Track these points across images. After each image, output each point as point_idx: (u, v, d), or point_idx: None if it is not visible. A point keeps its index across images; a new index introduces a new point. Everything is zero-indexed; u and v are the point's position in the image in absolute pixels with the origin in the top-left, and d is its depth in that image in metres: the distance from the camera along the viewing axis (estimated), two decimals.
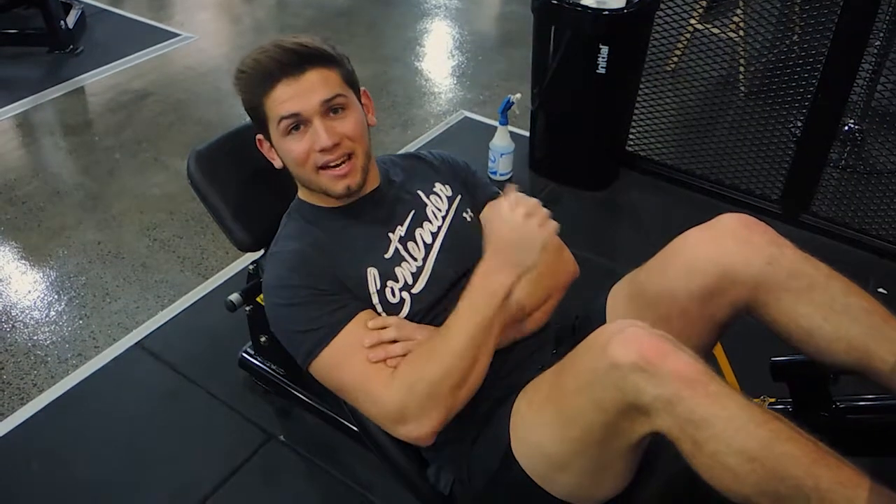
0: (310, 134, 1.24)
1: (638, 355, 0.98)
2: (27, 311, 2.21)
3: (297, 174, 1.30)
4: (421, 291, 1.29)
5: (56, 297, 2.26)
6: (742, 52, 2.97)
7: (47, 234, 2.51)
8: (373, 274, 1.27)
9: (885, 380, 1.15)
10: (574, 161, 2.68)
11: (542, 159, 2.74)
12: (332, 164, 1.25)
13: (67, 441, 1.81)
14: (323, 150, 1.24)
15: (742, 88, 3.00)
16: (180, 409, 1.89)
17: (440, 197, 1.41)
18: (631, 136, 2.73)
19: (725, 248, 1.22)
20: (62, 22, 3.58)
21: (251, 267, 1.72)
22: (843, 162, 2.69)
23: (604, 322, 1.35)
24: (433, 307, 1.30)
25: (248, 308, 1.73)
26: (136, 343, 2.07)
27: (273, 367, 1.87)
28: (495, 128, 2.65)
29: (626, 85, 2.54)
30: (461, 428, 1.27)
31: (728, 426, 0.95)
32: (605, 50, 2.31)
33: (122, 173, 2.83)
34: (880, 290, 2.23)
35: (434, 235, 1.36)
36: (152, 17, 4.02)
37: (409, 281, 1.30)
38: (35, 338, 2.11)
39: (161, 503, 1.68)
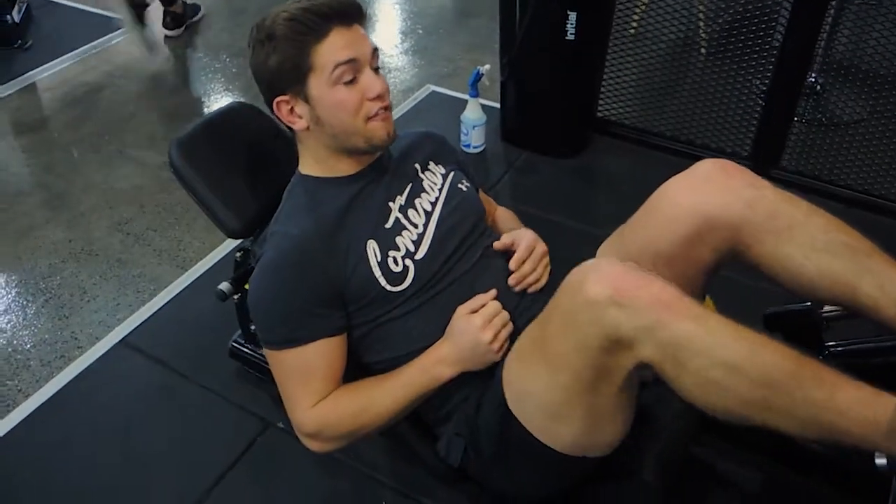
0: (361, 83, 1.24)
1: (612, 289, 1.00)
2: (2, 316, 2.15)
3: (343, 126, 1.27)
4: (423, 257, 1.30)
5: (31, 299, 2.20)
6: (701, 11, 2.98)
7: (14, 236, 2.44)
8: (372, 247, 1.28)
9: (871, 314, 1.18)
10: (546, 129, 2.68)
11: (514, 129, 2.73)
12: (381, 112, 1.26)
13: (60, 446, 1.77)
14: (376, 98, 1.24)
15: (703, 47, 3.02)
16: (173, 404, 1.86)
17: (434, 174, 1.43)
18: (601, 102, 2.74)
19: (704, 195, 1.23)
20: (8, 16, 3.45)
21: (238, 255, 1.69)
22: (806, 115, 2.74)
23: None
24: (436, 274, 1.31)
25: (236, 297, 1.71)
26: (120, 340, 2.02)
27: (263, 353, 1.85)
28: (464, 101, 2.64)
29: (595, 50, 2.55)
30: (467, 392, 1.28)
31: (708, 341, 0.98)
32: (573, 16, 2.30)
33: (86, 169, 2.76)
34: None
35: (433, 204, 1.37)
36: (101, 7, 3.90)
37: (412, 248, 1.30)
38: (14, 343, 2.06)
39: (163, 501, 1.65)
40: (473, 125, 2.61)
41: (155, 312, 2.11)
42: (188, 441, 1.77)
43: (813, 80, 2.80)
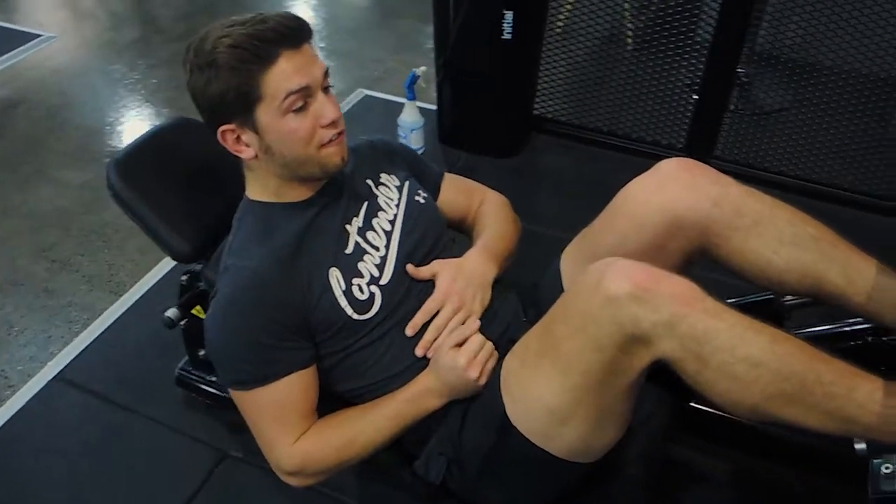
0: (313, 109, 1.16)
1: (632, 285, 0.99)
2: None
3: (295, 155, 1.19)
4: (389, 282, 1.25)
5: None
6: (627, 5, 3.01)
7: None
8: (335, 276, 1.22)
9: (839, 302, 1.21)
10: (485, 129, 2.66)
11: (452, 131, 2.70)
12: (334, 138, 1.19)
13: None
14: (330, 125, 1.17)
15: (629, 42, 3.05)
16: (120, 441, 1.75)
17: (388, 187, 1.37)
18: (537, 100, 2.73)
19: (671, 195, 1.23)
20: None
21: (184, 278, 1.60)
22: (735, 105, 2.79)
23: (561, 287, 1.36)
24: (404, 297, 1.27)
25: (183, 322, 1.62)
26: (55, 376, 1.90)
27: (215, 379, 1.77)
28: (399, 104, 2.60)
29: (531, 48, 2.53)
30: (445, 410, 1.24)
31: (730, 336, 0.98)
32: (509, 15, 2.28)
33: (3, 191, 2.59)
34: None
35: (391, 223, 1.31)
36: (4, 19, 3.68)
37: (376, 274, 1.25)
38: None
39: None
40: (412, 128, 2.57)
41: (90, 344, 1.99)
42: (140, 480, 1.66)
43: (741, 71, 2.85)
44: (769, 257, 1.21)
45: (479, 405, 1.23)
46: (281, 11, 1.16)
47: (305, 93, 1.14)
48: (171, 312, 1.52)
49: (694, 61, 2.61)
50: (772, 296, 1.48)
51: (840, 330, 1.43)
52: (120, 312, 2.07)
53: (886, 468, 1.10)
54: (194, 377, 1.78)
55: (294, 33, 1.14)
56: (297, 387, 1.21)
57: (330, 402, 1.28)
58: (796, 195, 2.46)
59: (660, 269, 1.03)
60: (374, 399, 1.27)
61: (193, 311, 1.61)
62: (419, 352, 1.26)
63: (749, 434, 1.54)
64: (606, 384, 1.06)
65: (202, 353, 1.70)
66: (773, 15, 2.58)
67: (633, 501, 1.34)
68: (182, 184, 1.44)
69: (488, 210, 1.51)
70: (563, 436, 1.13)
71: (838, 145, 2.50)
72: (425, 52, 2.55)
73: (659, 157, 2.48)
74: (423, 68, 2.54)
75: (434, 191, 1.47)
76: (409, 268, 1.28)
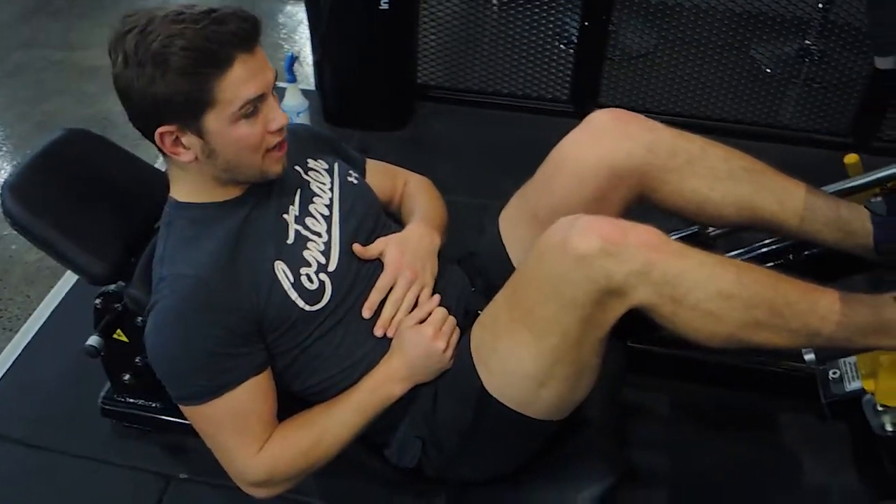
0: (262, 114, 1.10)
1: (600, 239, 0.99)
2: None
3: (239, 160, 1.13)
4: (337, 268, 1.22)
5: None
6: None
7: None
8: (281, 269, 1.17)
9: (774, 228, 1.28)
10: (370, 104, 2.61)
11: (337, 110, 2.63)
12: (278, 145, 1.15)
13: None
14: (277, 131, 1.12)
15: (494, 3, 3.07)
16: (51, 487, 1.61)
17: (318, 171, 1.33)
18: (418, 68, 2.70)
19: (607, 147, 1.25)
20: None
21: (98, 302, 1.48)
22: (606, 53, 2.87)
23: (504, 251, 1.36)
24: (354, 281, 1.24)
25: None
26: None
27: (146, 402, 1.66)
28: (280, 89, 2.49)
29: (410, 16, 2.50)
30: (414, 393, 1.22)
31: (700, 274, 1.01)
32: None
33: None
34: None
35: (329, 207, 1.27)
36: None
37: (322, 260, 1.21)
38: None
39: None
40: (297, 112, 2.47)
41: None
42: None
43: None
44: (706, 194, 1.25)
45: (449, 383, 1.21)
46: (233, 7, 1.08)
47: (259, 101, 1.09)
48: (94, 340, 1.41)
49: (560, 14, 2.66)
50: (697, 228, 1.54)
51: (767, 250, 1.52)
52: (20, 349, 1.89)
53: (834, 373, 1.18)
54: (121, 404, 1.66)
55: (250, 35, 1.07)
56: (254, 393, 1.15)
57: (290, 404, 1.23)
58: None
59: (623, 220, 1.03)
60: (336, 393, 1.23)
61: (115, 336, 1.50)
62: (378, 331, 1.23)
63: (693, 365, 1.62)
64: (583, 340, 1.07)
65: (128, 377, 1.59)
66: None
67: (595, 447, 1.37)
68: (87, 200, 1.32)
69: (414, 190, 1.50)
70: (542, 398, 1.14)
71: (709, 79, 2.63)
72: (296, 31, 2.46)
73: (546, 111, 2.62)
74: (299, 49, 2.45)
75: (360, 168, 1.44)
76: (357, 247, 1.25)
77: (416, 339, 1.19)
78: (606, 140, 1.25)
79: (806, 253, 1.42)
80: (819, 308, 1.04)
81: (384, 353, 1.23)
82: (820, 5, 2.65)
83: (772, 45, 2.78)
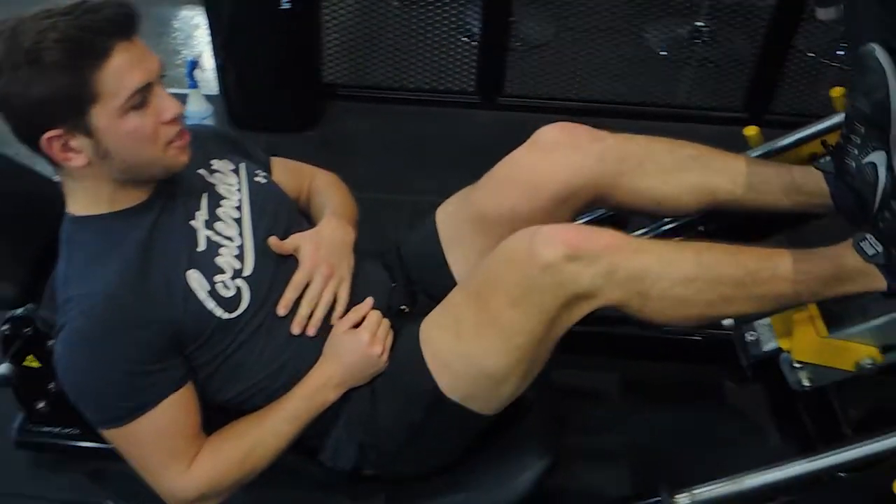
0: (153, 105, 1.06)
1: (565, 247, 1.03)
2: None
3: (139, 157, 1.08)
4: (253, 272, 1.18)
5: None
6: None
7: None
8: (195, 278, 1.13)
9: (735, 206, 1.33)
10: (277, 106, 2.57)
11: (244, 113, 2.58)
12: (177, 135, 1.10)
13: None
14: (172, 121, 1.08)
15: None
16: None
17: (223, 173, 1.28)
18: (324, 67, 2.67)
19: (559, 162, 1.28)
20: None
21: (6, 328, 1.40)
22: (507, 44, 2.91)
23: (439, 244, 1.36)
24: (272, 284, 1.21)
25: None
26: None
27: (64, 430, 1.58)
28: (182, 95, 2.42)
29: (311, 15, 2.47)
30: (347, 396, 1.21)
31: (662, 264, 1.06)
32: None
33: None
34: None
35: (238, 209, 1.24)
36: None
37: (237, 266, 1.18)
38: None
39: None
40: (202, 117, 2.42)
41: None
42: None
43: None
44: (661, 189, 1.30)
45: (389, 384, 1.20)
46: None
47: (146, 91, 1.04)
48: (5, 368, 1.34)
49: (461, 8, 2.68)
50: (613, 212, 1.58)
51: (676, 224, 1.57)
52: None
53: (751, 335, 1.23)
54: (37, 434, 1.58)
55: (128, 21, 1.03)
56: (177, 409, 1.12)
57: (216, 415, 1.19)
58: (583, 116, 2.62)
59: (586, 226, 1.11)
60: (262, 400, 1.20)
61: (25, 363, 1.43)
62: (295, 329, 1.20)
63: (614, 340, 1.66)
64: (547, 338, 1.10)
65: (42, 404, 1.52)
66: None
67: (531, 430, 1.39)
68: None
69: (322, 186, 1.47)
70: (499, 395, 1.16)
71: (608, 64, 2.71)
72: (191, 36, 2.39)
73: (455, 104, 2.64)
74: (200, 53, 2.39)
75: (266, 167, 1.40)
76: (273, 240, 1.22)
77: (351, 344, 1.18)
78: (557, 155, 1.28)
79: (715, 226, 1.48)
80: (780, 271, 1.09)
81: (309, 356, 1.21)
82: None
83: (665, 27, 2.88)
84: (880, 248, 1.08)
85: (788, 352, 1.23)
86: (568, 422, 1.60)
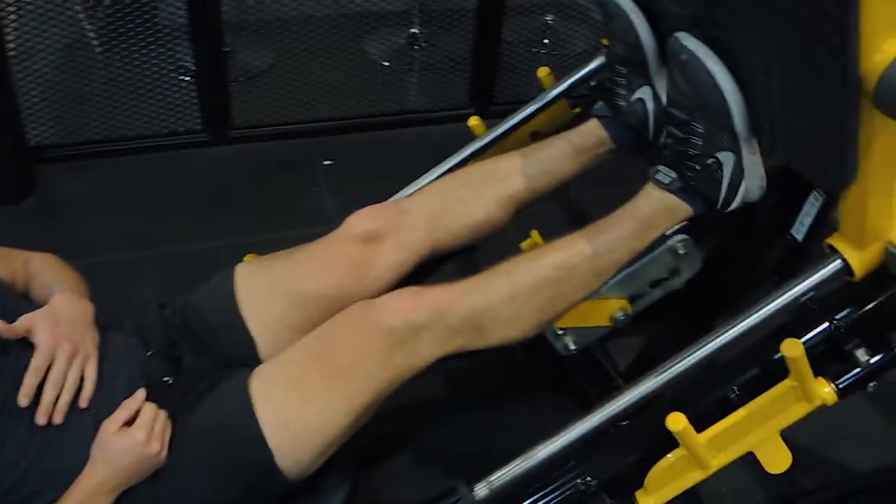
0: None
1: (405, 310, 1.11)
2: None
3: None
4: None
5: None
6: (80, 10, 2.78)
7: None
8: None
9: (538, 195, 1.39)
10: None
11: None
12: None
13: None
14: None
15: (96, 44, 2.84)
16: None
17: None
18: (27, 129, 2.39)
19: (383, 249, 1.31)
20: None
21: None
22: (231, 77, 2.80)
23: (236, 311, 1.26)
24: (4, 379, 1.07)
25: None
26: None
27: None
28: None
29: (3, 75, 2.21)
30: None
31: (483, 296, 1.14)
32: None
33: None
34: (326, 162, 2.49)
35: None
36: None
37: None
38: None
39: None
40: None
41: None
42: None
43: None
44: (472, 220, 1.35)
45: (197, 462, 1.11)
46: None
47: None
48: None
49: (171, 46, 2.55)
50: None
51: None
52: None
53: (560, 331, 1.26)
54: None
55: None
56: None
57: None
58: (316, 136, 2.61)
59: (414, 287, 1.17)
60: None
61: None
62: (41, 418, 1.06)
63: None
64: (389, 392, 1.15)
65: None
66: None
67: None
68: None
69: (41, 267, 1.31)
70: (327, 454, 1.14)
71: (334, 82, 2.70)
72: None
73: (184, 145, 2.49)
74: None
75: None
76: (1, 326, 1.07)
77: (124, 445, 1.05)
78: (379, 245, 1.30)
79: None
80: (586, 252, 1.15)
81: (63, 451, 1.07)
82: None
83: (383, 38, 2.93)
84: (673, 174, 1.16)
85: None
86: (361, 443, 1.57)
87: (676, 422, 1.00)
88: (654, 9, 1.18)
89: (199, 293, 1.32)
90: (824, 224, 1.56)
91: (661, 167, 1.19)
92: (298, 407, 1.11)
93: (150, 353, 1.24)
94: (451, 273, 1.37)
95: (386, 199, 1.47)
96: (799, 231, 1.61)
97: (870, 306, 1.08)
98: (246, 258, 1.46)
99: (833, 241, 1.06)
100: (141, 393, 1.12)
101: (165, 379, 1.20)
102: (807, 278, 1.06)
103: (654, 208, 1.18)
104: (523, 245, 1.43)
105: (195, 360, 1.25)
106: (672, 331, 1.52)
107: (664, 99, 1.22)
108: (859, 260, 1.03)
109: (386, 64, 2.90)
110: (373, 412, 1.16)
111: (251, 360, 1.22)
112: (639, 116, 1.26)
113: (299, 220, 2.21)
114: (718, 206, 1.16)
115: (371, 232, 1.31)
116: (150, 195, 2.34)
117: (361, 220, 1.33)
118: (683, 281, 1.22)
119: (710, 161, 1.13)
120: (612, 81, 1.31)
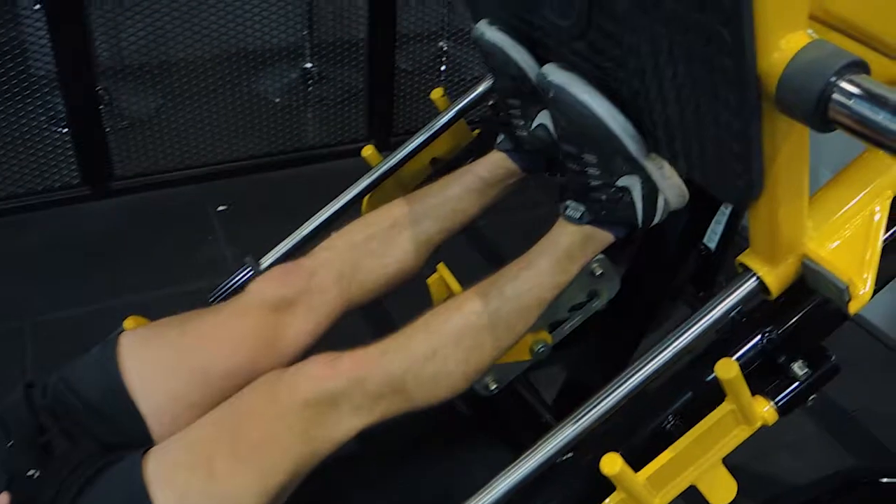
0: None
1: (321, 378, 1.02)
2: None
3: None
4: None
5: None
6: None
7: None
8: None
9: (451, 234, 1.31)
10: None
11: None
12: None
13: None
14: None
15: None
16: None
17: None
18: None
19: (296, 316, 1.20)
20: None
21: None
22: (109, 125, 2.62)
23: (119, 382, 1.11)
24: None
25: None
26: None
27: None
28: None
29: None
30: None
31: (402, 357, 1.05)
32: None
33: None
34: (220, 207, 2.34)
35: None
36: None
37: None
38: None
39: None
40: None
41: None
42: None
43: (100, 89, 2.67)
44: (386, 270, 1.27)
45: None
46: None
47: None
48: None
49: (44, 96, 2.36)
50: None
51: None
52: None
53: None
54: None
55: None
56: None
57: None
58: (208, 181, 2.47)
59: (329, 353, 1.06)
60: None
61: None
62: None
63: None
64: (309, 469, 1.04)
65: None
66: (103, 31, 2.45)
67: None
68: None
69: None
70: None
71: (226, 123, 2.57)
72: None
73: (62, 203, 2.34)
74: None
75: None
76: None
77: None
78: (290, 313, 1.20)
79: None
80: (507, 293, 1.07)
81: None
82: (304, 31, 2.75)
83: (275, 75, 2.81)
84: (582, 208, 1.08)
85: None
86: None
87: (612, 464, 0.90)
88: (532, 35, 1.11)
89: (76, 366, 1.15)
90: (736, 231, 1.54)
91: (569, 202, 1.10)
92: (205, 490, 0.99)
93: (10, 444, 1.07)
94: (359, 323, 1.27)
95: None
96: (711, 240, 1.58)
97: (797, 317, 1.01)
98: (126, 322, 1.30)
99: (745, 258, 0.96)
100: (5, 496, 0.99)
101: (30, 473, 1.04)
102: (727, 296, 0.97)
103: (573, 239, 1.10)
104: (430, 281, 1.31)
105: (71, 444, 1.09)
106: (594, 350, 1.46)
107: None
108: (774, 277, 0.93)
109: (277, 101, 2.77)
110: (290, 492, 1.05)
111: (142, 441, 1.07)
112: (545, 141, 1.19)
113: (194, 273, 2.04)
114: (640, 225, 1.09)
115: (280, 299, 1.20)
116: (26, 258, 2.13)
117: (268, 287, 1.21)
118: (604, 303, 1.17)
119: (612, 189, 1.06)
120: (508, 115, 1.24)
